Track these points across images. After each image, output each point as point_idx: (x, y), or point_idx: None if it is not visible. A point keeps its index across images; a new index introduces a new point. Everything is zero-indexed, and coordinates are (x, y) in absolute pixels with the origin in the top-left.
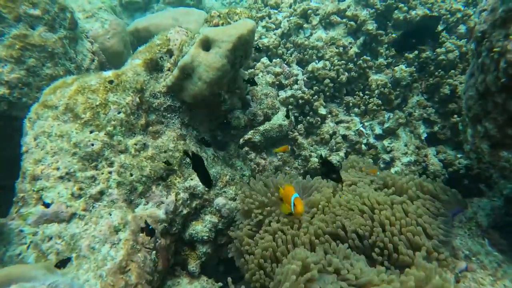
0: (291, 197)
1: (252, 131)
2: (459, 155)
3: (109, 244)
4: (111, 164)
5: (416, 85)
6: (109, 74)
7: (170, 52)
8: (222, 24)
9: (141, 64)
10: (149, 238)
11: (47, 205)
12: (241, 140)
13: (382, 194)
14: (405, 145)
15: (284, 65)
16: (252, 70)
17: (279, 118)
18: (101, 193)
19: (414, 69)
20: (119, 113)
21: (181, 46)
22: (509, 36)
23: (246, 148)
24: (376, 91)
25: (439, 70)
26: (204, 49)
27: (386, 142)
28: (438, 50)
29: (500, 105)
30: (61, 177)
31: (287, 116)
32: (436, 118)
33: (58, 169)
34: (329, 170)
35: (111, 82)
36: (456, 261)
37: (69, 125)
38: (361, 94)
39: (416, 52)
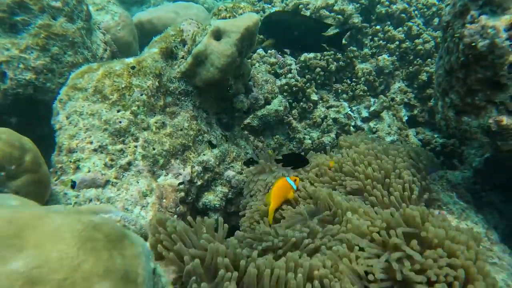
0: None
1: (251, 115)
2: (435, 135)
3: (139, 206)
4: (136, 140)
5: (398, 72)
6: (130, 60)
7: (183, 42)
8: (229, 17)
9: (158, 52)
10: (171, 203)
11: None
12: (241, 125)
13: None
14: (389, 126)
15: (279, 55)
16: (250, 60)
17: (275, 104)
18: (129, 164)
19: (396, 58)
20: (141, 95)
21: (194, 36)
22: (465, 24)
23: (246, 132)
24: (362, 79)
25: (418, 59)
26: (215, 39)
27: (372, 124)
28: (417, 41)
29: (461, 79)
30: (94, 150)
31: None
32: (415, 103)
33: (91, 143)
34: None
35: (133, 67)
36: (432, 210)
37: (98, 105)
38: (348, 82)
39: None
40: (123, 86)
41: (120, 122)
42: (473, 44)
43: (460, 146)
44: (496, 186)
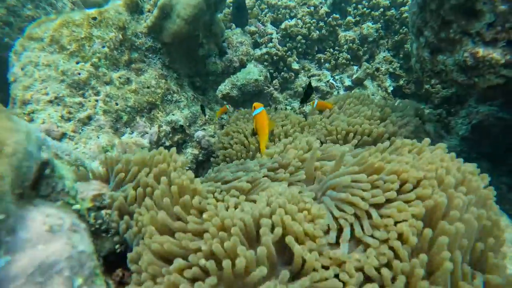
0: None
1: (230, 85)
2: (422, 106)
3: (98, 161)
4: (97, 93)
5: (383, 41)
6: (92, 11)
7: None
8: None
9: (122, 4)
10: None
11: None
12: (219, 95)
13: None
14: (372, 95)
15: (259, 24)
16: (229, 30)
17: (255, 73)
18: (89, 118)
19: (380, 26)
20: (103, 47)
21: None
22: None
23: (225, 102)
24: (345, 46)
25: (403, 28)
26: None
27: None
28: (402, 8)
29: (435, 12)
30: (50, 101)
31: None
32: (401, 73)
33: (47, 94)
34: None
35: (94, 18)
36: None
37: (55, 56)
38: (331, 51)
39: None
40: (82, 36)
41: (79, 74)
42: None
43: (448, 116)
44: (483, 154)
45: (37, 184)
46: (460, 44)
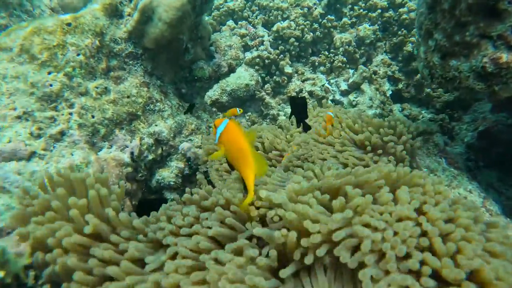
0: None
1: (219, 91)
2: (423, 111)
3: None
4: (71, 106)
5: (380, 44)
6: (66, 16)
7: None
8: None
9: (100, 8)
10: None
11: None
12: (208, 101)
13: None
14: (370, 99)
15: (250, 26)
16: (219, 33)
17: (245, 78)
18: (62, 133)
19: (378, 27)
20: (78, 55)
21: None
22: None
23: (214, 109)
24: (341, 49)
25: (402, 29)
26: None
27: (351, 97)
28: (401, 10)
29: (447, 12)
30: (18, 117)
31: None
32: (400, 76)
33: (15, 109)
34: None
35: (69, 24)
36: None
37: (25, 67)
38: (326, 53)
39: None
40: (54, 44)
41: (51, 85)
42: None
43: (451, 121)
44: (492, 163)
45: None
46: (478, 48)
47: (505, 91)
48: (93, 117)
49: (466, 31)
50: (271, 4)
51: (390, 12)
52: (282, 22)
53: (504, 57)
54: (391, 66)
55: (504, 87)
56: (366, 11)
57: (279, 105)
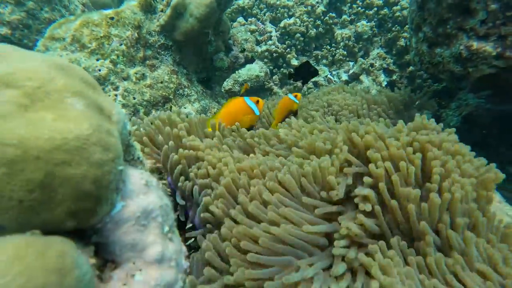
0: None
1: (232, 82)
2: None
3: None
4: (116, 88)
5: (376, 39)
6: (109, 11)
7: None
8: None
9: (137, 4)
10: None
11: None
12: (223, 90)
13: None
14: (368, 88)
15: (259, 22)
16: (235, 28)
17: (255, 70)
18: None
19: (374, 24)
20: (121, 44)
21: None
22: None
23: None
24: (342, 43)
25: (396, 26)
26: None
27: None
28: (394, 8)
29: (433, 10)
30: None
31: None
32: (394, 68)
33: None
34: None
35: (112, 18)
36: None
37: (77, 54)
38: (328, 47)
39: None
40: (101, 35)
41: (100, 70)
42: None
43: (439, 108)
44: (475, 143)
45: (125, 151)
46: (456, 39)
47: (477, 72)
48: (134, 98)
49: (447, 25)
50: (277, 2)
51: (385, 10)
52: (288, 19)
53: (475, 45)
54: (386, 59)
55: (475, 69)
56: (363, 9)
57: (286, 94)
